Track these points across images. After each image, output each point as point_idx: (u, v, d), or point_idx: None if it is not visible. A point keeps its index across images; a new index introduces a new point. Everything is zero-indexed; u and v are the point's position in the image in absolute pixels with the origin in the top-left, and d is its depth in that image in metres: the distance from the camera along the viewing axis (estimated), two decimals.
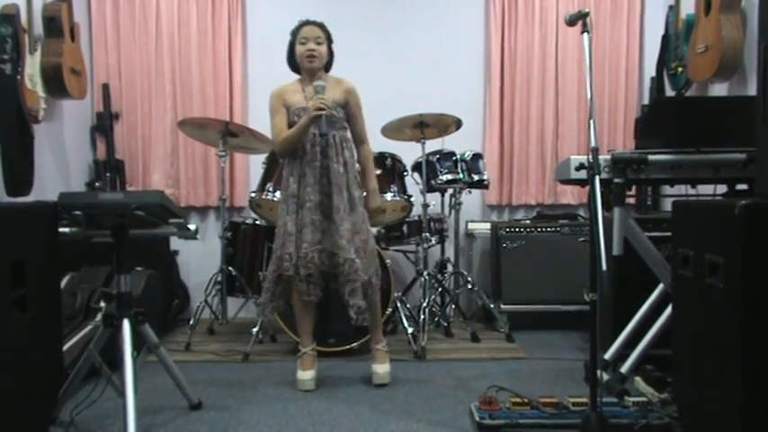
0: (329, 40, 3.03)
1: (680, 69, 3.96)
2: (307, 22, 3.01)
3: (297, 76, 3.08)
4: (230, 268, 3.84)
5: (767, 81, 1.76)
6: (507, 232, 4.03)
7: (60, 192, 2.30)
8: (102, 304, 3.07)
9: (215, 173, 4.51)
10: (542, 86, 4.56)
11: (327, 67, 3.08)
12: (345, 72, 3.11)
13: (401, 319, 3.70)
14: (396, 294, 3.63)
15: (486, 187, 4.16)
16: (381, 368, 2.99)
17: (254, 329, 3.51)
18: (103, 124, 4.45)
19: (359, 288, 2.89)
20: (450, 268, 4.21)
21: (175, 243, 4.40)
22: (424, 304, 3.65)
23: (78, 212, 2.24)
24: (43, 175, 3.75)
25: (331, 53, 3.06)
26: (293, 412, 2.63)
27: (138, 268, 3.43)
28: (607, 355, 2.74)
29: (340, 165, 2.93)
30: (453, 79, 4.60)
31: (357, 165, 3.06)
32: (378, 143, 3.73)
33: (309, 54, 2.94)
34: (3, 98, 3.28)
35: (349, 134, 3.05)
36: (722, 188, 2.57)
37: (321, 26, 3.01)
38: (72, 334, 2.96)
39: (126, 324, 2.30)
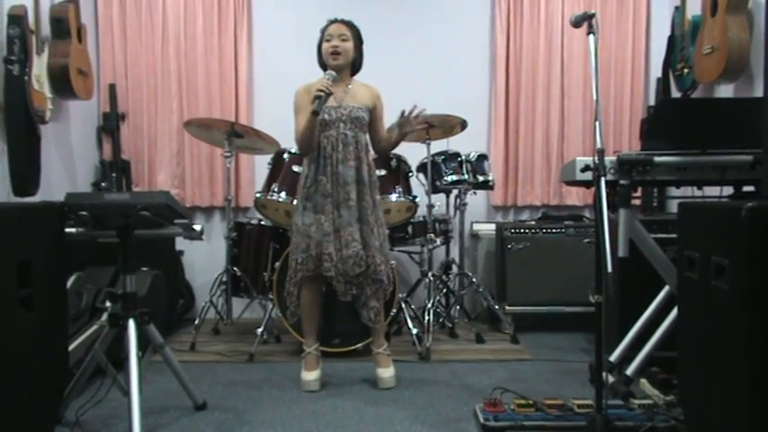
0: (357, 38, 3.01)
1: (686, 70, 3.95)
2: (334, 20, 3.00)
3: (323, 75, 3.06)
4: (235, 268, 3.84)
5: None
6: (512, 233, 4.02)
7: (67, 192, 2.31)
8: (108, 304, 3.11)
9: (220, 173, 4.53)
10: (548, 87, 4.55)
11: (355, 67, 3.06)
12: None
13: (406, 320, 3.69)
14: (400, 295, 3.62)
15: (492, 188, 4.16)
16: (386, 372, 2.99)
17: (259, 330, 3.52)
18: (110, 125, 4.47)
19: (381, 290, 2.95)
20: (454, 269, 4.21)
21: (181, 243, 4.41)
22: (429, 305, 3.65)
23: (84, 213, 2.25)
24: (50, 175, 3.77)
25: (359, 53, 3.04)
26: (298, 413, 2.63)
27: (144, 268, 3.44)
28: (612, 357, 2.73)
29: (366, 166, 2.96)
30: (458, 80, 4.60)
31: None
32: None
33: (333, 51, 2.93)
34: (10, 99, 3.30)
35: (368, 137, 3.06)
36: (728, 190, 2.55)
37: (348, 24, 3.00)
38: (78, 334, 2.97)
39: (131, 324, 2.30)
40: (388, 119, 3.58)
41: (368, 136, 3.05)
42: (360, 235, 2.88)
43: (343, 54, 2.95)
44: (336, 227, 2.88)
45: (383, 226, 3.00)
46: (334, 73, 2.91)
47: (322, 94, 2.78)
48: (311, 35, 3.08)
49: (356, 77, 3.09)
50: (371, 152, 3.07)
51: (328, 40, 2.96)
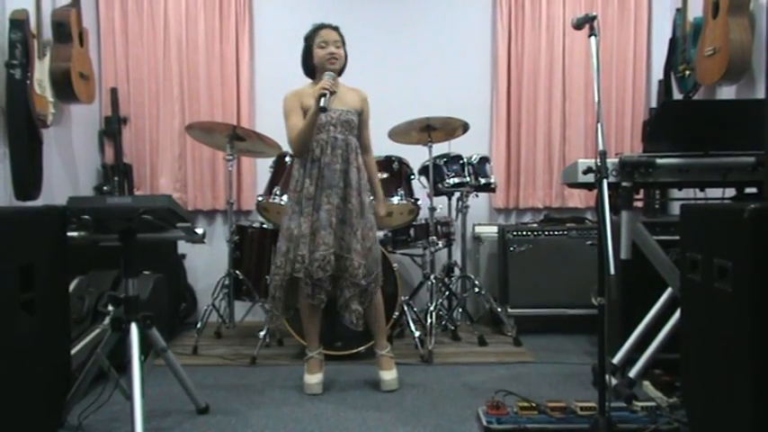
0: (344, 44, 3.03)
1: (688, 72, 3.95)
2: (323, 26, 3.01)
3: (309, 81, 3.07)
4: (237, 272, 3.84)
5: None
6: (514, 236, 4.02)
7: (69, 196, 2.32)
8: (110, 308, 3.10)
9: (222, 176, 4.53)
10: (549, 90, 4.55)
11: (341, 71, 3.08)
12: (352, 75, 3.11)
13: (408, 323, 3.69)
14: (403, 298, 3.62)
15: (493, 190, 4.15)
16: (389, 375, 2.99)
17: (262, 333, 3.52)
18: (112, 128, 4.47)
19: (361, 293, 2.92)
20: (457, 272, 4.21)
21: (183, 247, 4.42)
22: (431, 308, 3.64)
23: (86, 216, 2.26)
24: (52, 179, 3.78)
25: (346, 58, 3.07)
26: (300, 416, 2.63)
27: (146, 272, 3.45)
28: (615, 360, 2.73)
29: (355, 169, 2.95)
30: (460, 82, 4.60)
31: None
32: (385, 146, 3.74)
33: (331, 57, 2.95)
34: (12, 103, 3.31)
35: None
36: (731, 191, 2.56)
37: (338, 30, 3.01)
38: (80, 338, 2.97)
39: (133, 328, 2.30)
40: (390, 120, 3.62)
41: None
42: (333, 239, 2.87)
43: (339, 60, 2.97)
44: (313, 229, 2.88)
45: (373, 229, 2.99)
46: (333, 73, 2.91)
47: (326, 92, 2.79)
48: None
49: (341, 81, 3.10)
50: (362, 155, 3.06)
51: (323, 47, 2.96)
